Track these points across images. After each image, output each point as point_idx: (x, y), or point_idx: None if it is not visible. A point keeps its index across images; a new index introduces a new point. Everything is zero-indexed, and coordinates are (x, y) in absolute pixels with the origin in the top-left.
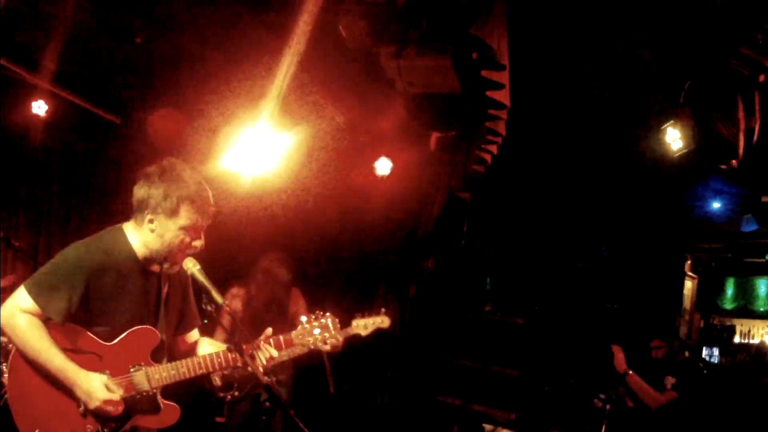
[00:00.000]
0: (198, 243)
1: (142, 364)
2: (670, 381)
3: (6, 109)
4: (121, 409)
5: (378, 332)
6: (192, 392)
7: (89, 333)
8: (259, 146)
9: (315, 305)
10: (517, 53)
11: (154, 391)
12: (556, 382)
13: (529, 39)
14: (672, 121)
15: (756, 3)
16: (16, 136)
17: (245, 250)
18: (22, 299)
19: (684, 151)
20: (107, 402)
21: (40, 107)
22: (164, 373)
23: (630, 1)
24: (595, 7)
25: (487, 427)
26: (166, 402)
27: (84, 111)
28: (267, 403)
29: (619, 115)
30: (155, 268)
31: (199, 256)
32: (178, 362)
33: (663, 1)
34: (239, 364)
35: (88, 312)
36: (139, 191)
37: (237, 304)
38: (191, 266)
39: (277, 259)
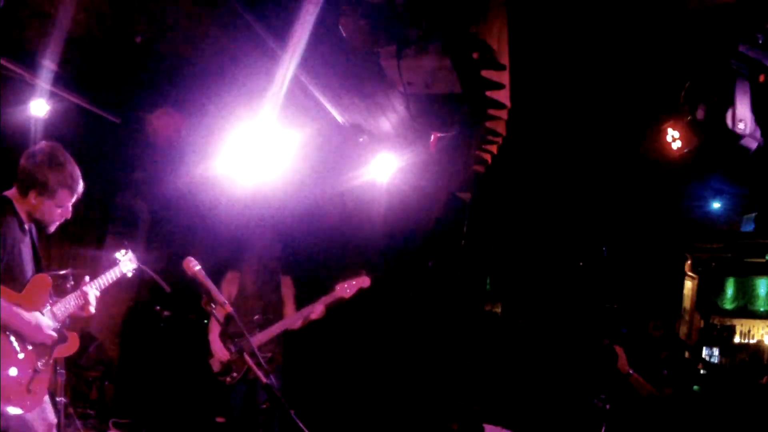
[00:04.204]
0: (68, 215)
1: (47, 304)
2: (663, 374)
3: (6, 109)
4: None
5: (360, 292)
6: (192, 389)
7: (4, 286)
8: (258, 146)
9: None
10: (517, 53)
11: (60, 324)
12: (556, 383)
13: (529, 39)
14: (672, 121)
15: (756, 3)
16: (16, 136)
17: (244, 250)
18: None
19: (684, 151)
20: (51, 330)
21: (40, 107)
22: (63, 308)
23: (630, 1)
24: (595, 7)
25: (488, 427)
26: (68, 332)
27: (84, 111)
28: (267, 403)
29: (619, 115)
30: (27, 225)
31: (199, 257)
32: (68, 297)
33: (663, 1)
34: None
35: (5, 268)
36: (28, 170)
37: (232, 289)
38: (192, 266)
39: (269, 241)
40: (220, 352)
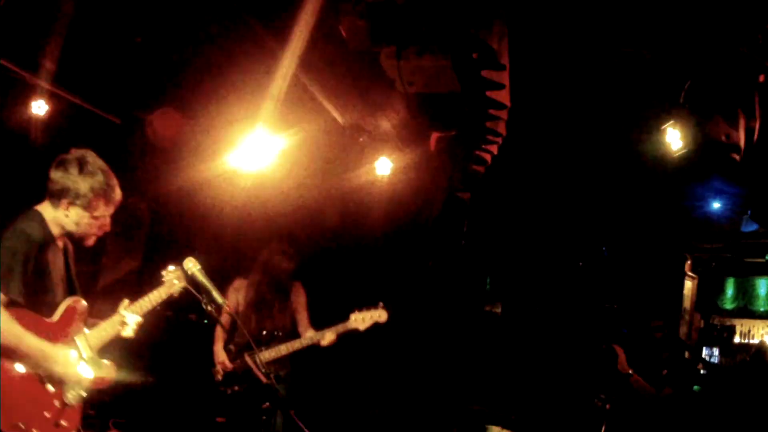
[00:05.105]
0: (106, 227)
1: (81, 332)
2: (663, 374)
3: (6, 109)
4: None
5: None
6: (193, 389)
7: (32, 313)
8: (259, 146)
9: (314, 305)
10: (517, 53)
11: (95, 354)
12: (556, 383)
13: (529, 39)
14: (672, 121)
15: (756, 3)
16: (16, 136)
17: (245, 251)
18: None
19: (684, 151)
20: (83, 370)
21: (40, 107)
22: (97, 336)
23: (630, 1)
24: (595, 7)
25: (489, 427)
26: (103, 362)
27: (84, 111)
28: (267, 403)
29: (619, 115)
30: (60, 243)
31: (200, 258)
32: (103, 324)
33: (664, 1)
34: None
35: (32, 291)
36: (58, 179)
37: (240, 298)
38: (191, 266)
39: (279, 250)
40: (223, 362)
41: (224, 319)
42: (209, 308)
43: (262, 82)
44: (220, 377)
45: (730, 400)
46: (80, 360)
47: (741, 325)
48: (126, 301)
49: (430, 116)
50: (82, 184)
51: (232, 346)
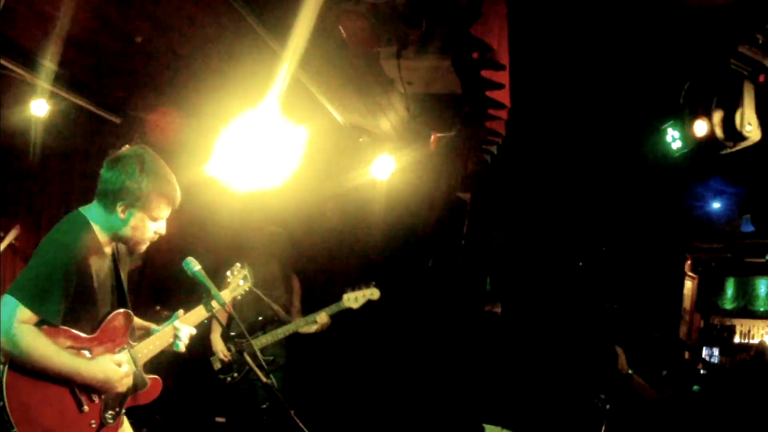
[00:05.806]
0: (162, 231)
1: (125, 346)
2: (663, 375)
3: (6, 109)
4: (131, 380)
5: (369, 303)
6: (192, 389)
7: (70, 329)
8: (258, 147)
9: (315, 305)
10: (517, 53)
11: (140, 368)
12: (556, 383)
13: (529, 39)
14: (672, 121)
15: (756, 3)
16: (16, 136)
17: (245, 251)
18: (16, 311)
19: (684, 151)
20: (125, 376)
21: (40, 107)
22: (144, 349)
23: (630, 1)
24: (595, 7)
25: (488, 427)
26: (149, 376)
27: (84, 111)
28: (267, 403)
29: (620, 115)
30: (108, 249)
31: (198, 258)
32: (152, 336)
33: (664, 1)
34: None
35: (72, 306)
36: (113, 178)
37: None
38: (191, 266)
39: (279, 234)
40: (221, 351)
41: (221, 315)
42: (209, 308)
43: (262, 82)
44: (218, 365)
45: (730, 400)
46: (121, 377)
47: (741, 325)
48: (180, 312)
49: (430, 116)
50: (145, 184)
51: (231, 346)
